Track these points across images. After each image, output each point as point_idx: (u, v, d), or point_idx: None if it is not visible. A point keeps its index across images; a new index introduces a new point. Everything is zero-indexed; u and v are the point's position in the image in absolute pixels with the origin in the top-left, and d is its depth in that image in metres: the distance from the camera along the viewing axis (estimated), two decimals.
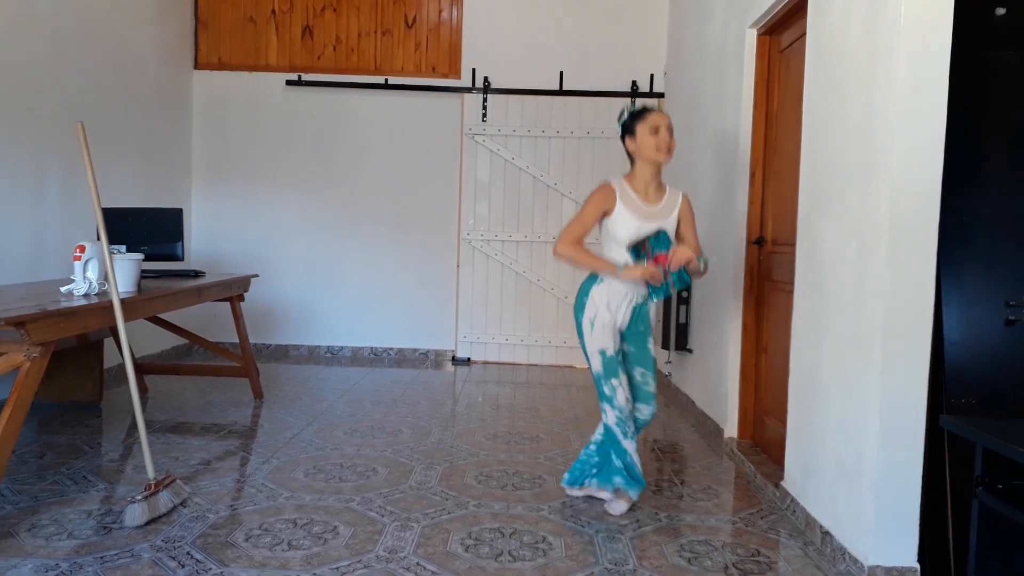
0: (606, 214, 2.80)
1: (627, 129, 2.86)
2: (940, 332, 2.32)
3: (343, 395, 4.78)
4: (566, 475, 3.05)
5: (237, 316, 4.51)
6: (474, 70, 6.04)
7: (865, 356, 2.36)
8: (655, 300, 2.82)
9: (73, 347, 4.03)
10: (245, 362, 4.53)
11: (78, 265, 3.03)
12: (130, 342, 2.83)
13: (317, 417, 4.19)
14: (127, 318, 2.86)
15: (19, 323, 2.40)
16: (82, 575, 2.22)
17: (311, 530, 2.60)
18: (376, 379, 5.35)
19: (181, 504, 2.78)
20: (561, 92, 5.99)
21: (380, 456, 3.49)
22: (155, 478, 2.74)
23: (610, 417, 2.84)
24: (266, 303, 6.15)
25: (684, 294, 4.72)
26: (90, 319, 2.81)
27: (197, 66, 6.13)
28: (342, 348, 6.26)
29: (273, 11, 6.11)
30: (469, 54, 6.08)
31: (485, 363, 6.12)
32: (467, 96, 6.05)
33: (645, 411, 2.93)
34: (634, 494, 2.88)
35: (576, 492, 3.04)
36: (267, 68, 6.14)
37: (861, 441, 2.38)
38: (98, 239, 2.96)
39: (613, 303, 2.82)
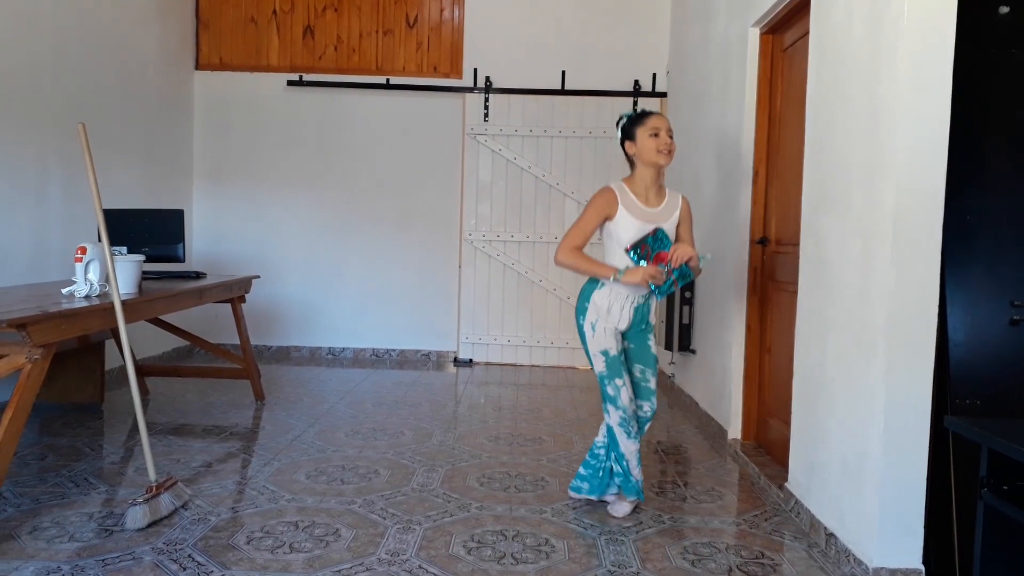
0: (608, 218, 2.79)
1: (626, 133, 2.85)
2: (944, 332, 2.30)
3: (344, 397, 4.77)
4: (584, 485, 3.01)
5: (238, 317, 4.50)
6: (476, 70, 6.03)
7: (869, 357, 2.35)
8: (660, 299, 2.81)
9: (74, 349, 4.02)
10: (246, 364, 4.52)
11: (79, 267, 3.02)
12: (131, 344, 2.83)
13: (319, 419, 4.18)
14: (128, 320, 2.86)
15: (20, 325, 2.39)
16: None
17: (313, 532, 2.59)
18: (378, 380, 5.35)
19: (182, 506, 2.77)
20: (563, 92, 5.99)
21: (382, 458, 3.48)
22: (156, 480, 2.73)
23: (613, 417, 2.83)
24: (267, 304, 6.15)
25: (687, 294, 4.71)
26: (91, 321, 2.80)
27: (198, 67, 6.13)
28: (343, 349, 6.25)
29: (274, 11, 6.11)
30: (471, 54, 6.07)
31: (487, 364, 6.11)
32: (469, 96, 6.04)
33: (646, 408, 2.92)
34: (639, 498, 2.88)
35: (578, 496, 3.02)
36: (268, 68, 6.13)
37: (865, 442, 2.36)
38: (99, 240, 2.95)
39: (615, 306, 2.81)
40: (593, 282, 2.86)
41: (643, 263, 2.73)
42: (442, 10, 6.10)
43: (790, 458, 2.99)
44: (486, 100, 6.00)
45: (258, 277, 4.86)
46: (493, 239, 6.07)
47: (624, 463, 2.85)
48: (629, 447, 2.84)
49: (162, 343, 5.60)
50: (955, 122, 2.24)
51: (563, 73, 6.00)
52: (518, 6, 6.05)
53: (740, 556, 2.53)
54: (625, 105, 5.93)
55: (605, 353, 2.82)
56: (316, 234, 6.19)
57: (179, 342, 5.81)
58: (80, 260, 3.02)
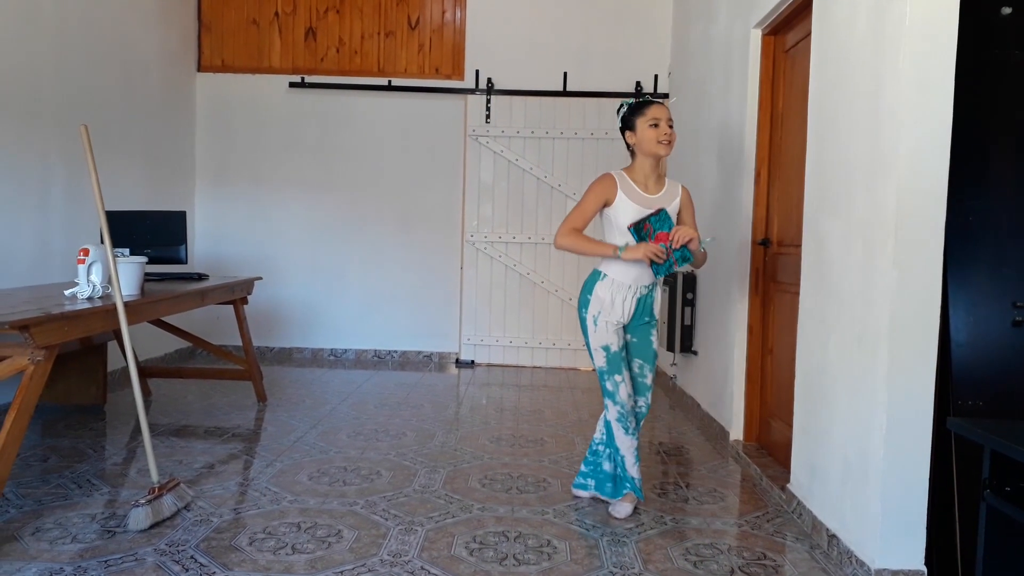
0: (607, 204, 2.80)
1: (626, 123, 2.86)
2: (947, 333, 2.30)
3: (347, 398, 4.78)
4: (590, 482, 3.02)
5: (240, 319, 4.51)
6: (477, 71, 6.03)
7: (871, 357, 2.35)
8: (659, 278, 2.80)
9: (77, 350, 4.03)
10: (248, 365, 4.52)
11: (82, 268, 3.03)
12: (134, 345, 2.84)
13: (321, 420, 4.18)
14: (131, 321, 2.86)
15: (23, 327, 2.39)
16: None
17: (315, 534, 2.59)
18: (380, 382, 5.35)
19: (185, 508, 2.78)
20: (565, 93, 5.99)
21: (384, 459, 3.49)
22: (159, 482, 2.74)
23: (612, 412, 2.84)
24: (269, 306, 6.16)
25: (689, 295, 4.71)
26: (94, 322, 2.80)
27: (200, 69, 6.14)
28: (345, 351, 6.25)
29: (276, 13, 6.12)
30: (472, 55, 6.08)
31: (489, 365, 6.11)
32: (471, 97, 6.04)
33: (640, 403, 2.93)
34: (638, 496, 2.88)
35: (583, 494, 3.03)
36: (270, 70, 6.14)
37: (867, 443, 2.36)
38: (102, 242, 2.96)
39: (617, 298, 2.81)
40: (596, 274, 2.86)
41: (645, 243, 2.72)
42: (444, 12, 6.11)
43: (792, 459, 2.99)
44: (488, 101, 6.01)
45: (260, 279, 4.87)
46: (495, 240, 6.07)
47: (620, 458, 2.86)
48: (626, 443, 2.85)
49: (164, 344, 5.60)
50: (957, 123, 2.24)
51: (565, 74, 6.00)
52: (520, 8, 6.05)
53: (742, 557, 2.52)
54: (622, 99, 5.92)
55: (606, 349, 2.82)
56: (318, 236, 6.19)
57: (181, 343, 5.82)
58: (83, 262, 3.03)
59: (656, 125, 2.78)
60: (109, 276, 2.99)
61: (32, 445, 3.54)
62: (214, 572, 2.27)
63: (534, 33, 6.05)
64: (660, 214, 2.74)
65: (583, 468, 3.04)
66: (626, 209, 2.78)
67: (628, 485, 2.88)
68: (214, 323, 5.99)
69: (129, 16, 5.09)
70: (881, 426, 2.27)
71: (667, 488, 3.21)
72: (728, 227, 3.97)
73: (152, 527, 2.58)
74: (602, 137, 5.94)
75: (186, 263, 4.11)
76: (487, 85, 6.00)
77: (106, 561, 2.33)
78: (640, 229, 2.74)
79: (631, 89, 5.97)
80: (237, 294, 4.37)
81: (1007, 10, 2.39)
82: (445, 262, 6.18)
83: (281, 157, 6.17)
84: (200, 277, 4.19)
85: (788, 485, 3.00)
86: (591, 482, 3.00)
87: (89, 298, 2.99)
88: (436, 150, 6.14)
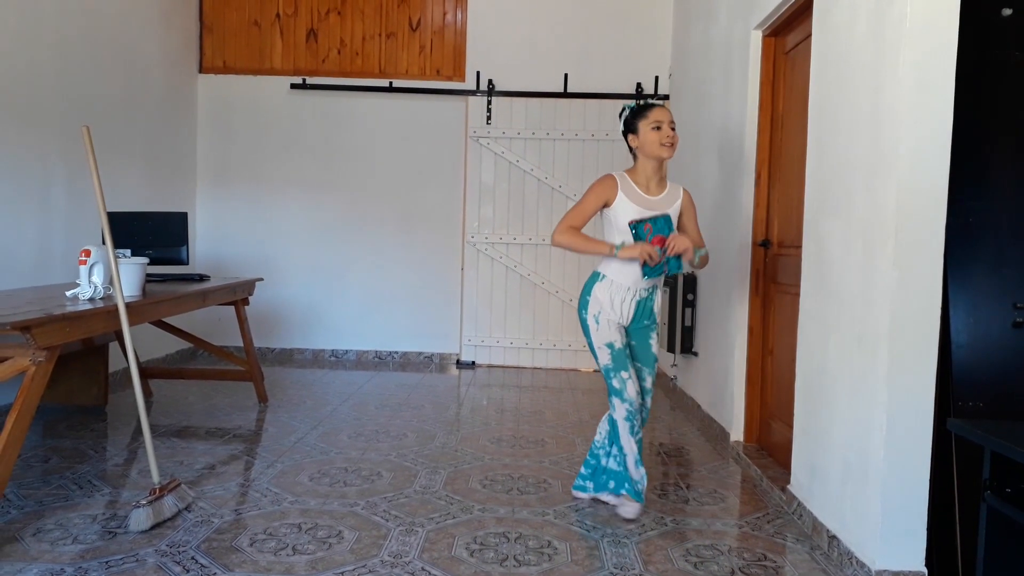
0: (607, 204, 2.81)
1: (628, 126, 2.86)
2: (947, 334, 2.30)
3: (347, 399, 4.78)
4: (589, 484, 3.02)
5: (241, 320, 4.51)
6: (478, 72, 6.04)
7: (872, 358, 2.35)
8: (647, 280, 2.80)
9: (78, 351, 4.03)
10: (249, 366, 4.53)
11: (83, 269, 3.03)
12: (135, 346, 2.84)
13: (321, 421, 4.19)
14: (132, 322, 2.87)
15: (24, 327, 2.40)
16: None
17: (315, 535, 2.59)
18: (380, 383, 5.35)
19: (186, 509, 2.78)
20: (565, 94, 5.99)
21: (384, 460, 3.49)
22: (160, 482, 2.74)
23: (620, 411, 2.82)
24: (270, 307, 6.16)
25: (689, 296, 4.71)
26: (95, 323, 2.81)
27: (202, 70, 6.15)
28: (346, 352, 6.26)
29: (277, 15, 6.13)
30: (473, 57, 6.08)
31: (489, 366, 6.11)
32: (471, 99, 6.05)
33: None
34: (633, 499, 2.87)
35: (583, 496, 3.03)
36: (272, 72, 6.15)
37: (868, 444, 2.36)
38: (103, 243, 2.96)
39: (616, 299, 2.81)
40: (595, 276, 2.87)
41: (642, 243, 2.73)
42: (445, 13, 6.11)
43: (792, 460, 2.99)
44: (489, 103, 6.01)
45: (261, 280, 4.87)
46: (496, 241, 6.07)
47: (624, 459, 2.85)
48: (630, 444, 2.84)
49: (166, 345, 5.61)
50: (957, 124, 2.24)
51: (565, 76, 6.00)
52: (520, 9, 6.06)
53: (742, 558, 2.52)
54: (624, 103, 5.93)
55: (610, 346, 2.82)
56: (319, 237, 6.20)
57: (182, 344, 5.82)
58: (84, 263, 3.03)
59: (658, 128, 2.78)
60: (110, 277, 2.99)
61: (33, 446, 3.55)
62: (215, 573, 2.28)
63: (535, 34, 6.05)
64: (664, 218, 2.74)
65: (583, 470, 3.04)
66: (626, 210, 2.78)
67: (627, 486, 2.88)
68: (215, 324, 6.00)
69: (131, 17, 5.09)
70: (881, 427, 2.27)
71: (668, 489, 3.21)
72: (728, 228, 3.97)
73: (153, 528, 2.58)
74: (603, 138, 5.95)
75: (187, 264, 4.12)
76: (488, 86, 6.01)
77: (107, 562, 2.33)
78: (641, 228, 2.74)
79: (632, 90, 5.98)
80: (238, 295, 4.38)
81: (1007, 11, 2.39)
82: (446, 263, 6.19)
83: (282, 158, 6.17)
84: (201, 278, 4.20)
85: (788, 486, 3.00)
86: (590, 484, 3.00)
87: (90, 299, 2.99)
88: (437, 151, 6.14)
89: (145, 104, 5.31)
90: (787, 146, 3.48)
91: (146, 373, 4.53)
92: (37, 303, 2.87)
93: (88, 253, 3.04)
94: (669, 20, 5.96)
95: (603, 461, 2.98)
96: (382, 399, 4.80)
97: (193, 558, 2.37)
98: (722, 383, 4.00)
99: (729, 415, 3.84)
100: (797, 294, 3.06)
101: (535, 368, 6.08)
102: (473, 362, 6.14)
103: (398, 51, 6.15)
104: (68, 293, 3.07)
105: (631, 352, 2.91)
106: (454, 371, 5.92)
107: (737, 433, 3.78)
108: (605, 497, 2.97)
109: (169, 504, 2.69)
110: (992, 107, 2.38)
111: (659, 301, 2.94)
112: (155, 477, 2.76)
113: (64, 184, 4.42)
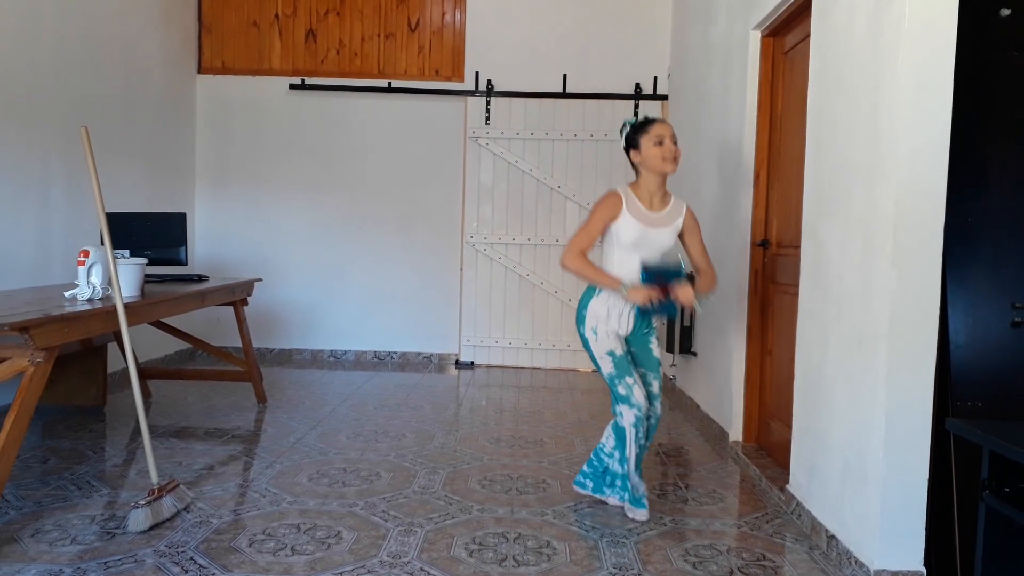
0: (611, 220, 2.81)
1: (630, 142, 2.86)
2: (946, 334, 2.30)
3: (346, 399, 4.78)
4: (586, 482, 3.02)
5: (240, 320, 4.51)
6: (477, 73, 6.04)
7: (870, 358, 2.35)
8: (633, 312, 2.84)
9: (77, 352, 4.03)
10: (248, 366, 4.52)
11: (82, 270, 3.03)
12: (134, 347, 2.84)
13: (320, 421, 4.18)
14: (131, 323, 2.86)
15: (23, 328, 2.40)
16: None
17: (314, 535, 2.59)
18: (379, 383, 5.35)
19: (184, 509, 2.78)
20: (564, 95, 5.99)
21: (383, 460, 3.49)
22: (158, 483, 2.74)
23: (627, 417, 2.80)
24: (269, 307, 6.16)
25: None
26: (94, 324, 2.81)
27: (201, 71, 6.15)
28: (345, 352, 6.26)
29: (276, 15, 6.13)
30: (472, 57, 6.08)
31: (488, 367, 6.11)
32: (470, 99, 6.05)
33: (650, 411, 2.92)
34: (630, 504, 2.87)
35: (581, 492, 3.02)
36: (270, 72, 6.15)
37: (867, 444, 2.36)
38: (102, 244, 2.96)
39: (614, 312, 2.82)
40: (591, 290, 2.86)
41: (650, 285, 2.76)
42: (444, 14, 6.11)
43: (791, 460, 2.99)
44: (487, 103, 6.01)
45: (260, 280, 4.87)
46: (495, 242, 6.07)
47: (627, 465, 2.85)
48: (633, 450, 2.83)
49: (164, 346, 5.60)
50: (956, 124, 2.24)
51: (564, 76, 6.00)
52: (519, 9, 6.06)
53: (741, 558, 2.52)
54: (626, 108, 5.94)
55: (611, 354, 2.82)
56: (318, 237, 6.20)
57: (181, 345, 5.82)
58: (83, 263, 3.03)
59: (660, 143, 2.78)
60: (109, 277, 2.99)
61: (32, 446, 3.54)
62: (214, 573, 2.27)
63: (534, 35, 6.05)
64: (677, 272, 2.77)
65: (586, 468, 3.03)
66: (629, 226, 2.79)
67: (629, 496, 2.86)
68: (214, 324, 6.00)
69: (130, 18, 5.09)
70: (880, 427, 2.28)
71: (667, 489, 3.21)
72: (727, 228, 3.97)
73: (152, 528, 2.58)
74: (602, 139, 5.95)
75: (186, 264, 4.12)
76: (487, 87, 6.01)
77: (105, 563, 2.33)
78: (651, 273, 2.76)
79: (631, 91, 5.98)
80: (237, 295, 4.38)
81: (1006, 11, 2.39)
82: (445, 263, 6.19)
83: (281, 159, 6.17)
84: (200, 278, 4.20)
85: (787, 486, 3.00)
86: (590, 483, 3.00)
87: (89, 299, 2.99)
88: (436, 152, 6.14)
89: (144, 104, 5.31)
90: (786, 146, 3.48)
91: (145, 374, 4.53)
92: (36, 303, 2.86)
93: (87, 253, 3.04)
94: (668, 20, 5.96)
95: (609, 465, 2.97)
96: (381, 399, 4.79)
97: (192, 559, 2.37)
98: (721, 383, 4.00)
99: (728, 415, 3.84)
100: (796, 294, 3.06)
101: (534, 368, 6.08)
102: (472, 362, 6.14)
103: (397, 51, 6.15)
104: (67, 294, 3.06)
105: (633, 359, 2.91)
106: (453, 371, 5.92)
107: (736, 433, 3.78)
108: (611, 501, 2.96)
109: (168, 505, 2.69)
110: (991, 107, 2.39)
111: None
112: (154, 478, 2.75)
113: (63, 184, 4.42)
